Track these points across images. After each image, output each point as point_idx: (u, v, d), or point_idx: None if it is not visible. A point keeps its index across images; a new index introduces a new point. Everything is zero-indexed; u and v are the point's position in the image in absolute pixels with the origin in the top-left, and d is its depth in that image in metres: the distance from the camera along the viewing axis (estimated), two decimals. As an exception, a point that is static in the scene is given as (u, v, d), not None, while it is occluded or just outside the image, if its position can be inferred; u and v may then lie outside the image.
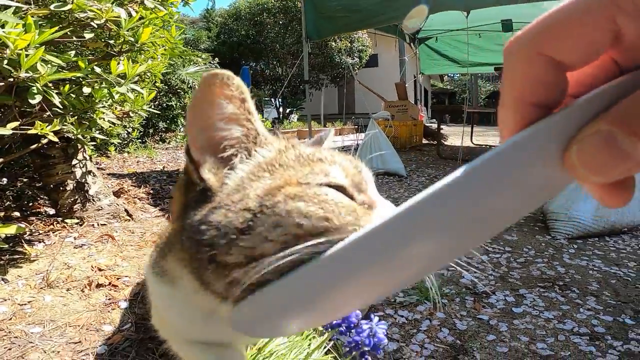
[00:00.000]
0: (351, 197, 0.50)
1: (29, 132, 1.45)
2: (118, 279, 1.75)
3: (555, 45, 0.25)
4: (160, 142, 7.91)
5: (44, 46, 1.28)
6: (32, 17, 1.27)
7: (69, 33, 1.48)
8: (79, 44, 1.71)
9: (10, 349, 1.25)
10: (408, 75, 11.68)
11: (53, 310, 1.50)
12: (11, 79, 1.30)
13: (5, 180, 2.69)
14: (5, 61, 1.23)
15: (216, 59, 9.36)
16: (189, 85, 7.87)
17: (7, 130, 1.33)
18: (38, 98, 1.36)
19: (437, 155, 6.89)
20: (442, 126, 8.44)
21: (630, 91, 0.24)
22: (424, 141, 8.76)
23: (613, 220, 2.87)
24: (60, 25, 1.40)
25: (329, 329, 0.79)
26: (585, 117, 0.25)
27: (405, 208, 0.30)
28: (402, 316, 1.81)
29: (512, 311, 1.88)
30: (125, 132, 4.92)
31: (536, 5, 7.05)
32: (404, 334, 1.69)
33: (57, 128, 1.53)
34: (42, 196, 2.77)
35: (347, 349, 0.71)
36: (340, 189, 0.50)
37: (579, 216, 2.87)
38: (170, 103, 7.54)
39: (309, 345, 1.26)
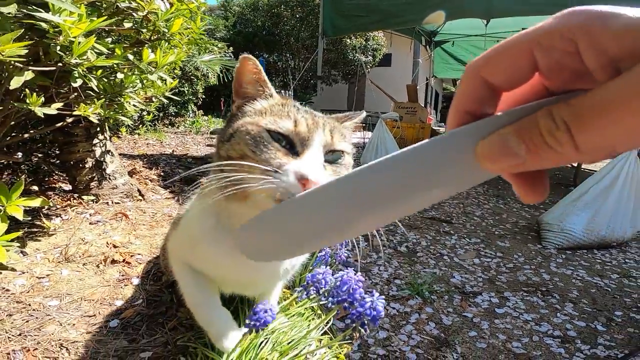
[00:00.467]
0: (292, 144, 0.78)
1: (75, 113, 1.61)
2: (131, 256, 1.85)
3: (488, 70, 0.36)
4: (170, 126, 8.04)
5: (94, 35, 1.41)
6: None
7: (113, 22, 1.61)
8: (113, 31, 1.84)
9: (28, 321, 1.32)
10: (420, 78, 11.73)
11: (69, 284, 1.58)
12: (60, 64, 1.43)
13: (20, 155, 2.81)
14: (58, 47, 1.36)
15: (231, 48, 9.46)
16: (202, 73, 7.98)
17: (52, 110, 1.46)
18: (79, 82, 1.50)
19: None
20: (441, 130, 8.52)
21: (532, 112, 0.34)
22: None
23: (603, 235, 2.98)
24: (108, 15, 1.52)
25: (333, 305, 0.91)
26: (497, 126, 0.35)
27: (346, 175, 0.40)
28: (393, 308, 1.94)
29: (494, 311, 2.00)
30: (137, 114, 5.06)
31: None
32: (394, 325, 1.82)
33: (98, 110, 1.68)
34: (57, 172, 2.90)
35: (350, 320, 0.84)
36: (283, 136, 0.79)
37: (571, 228, 2.98)
38: (182, 89, 7.66)
39: (309, 325, 1.39)
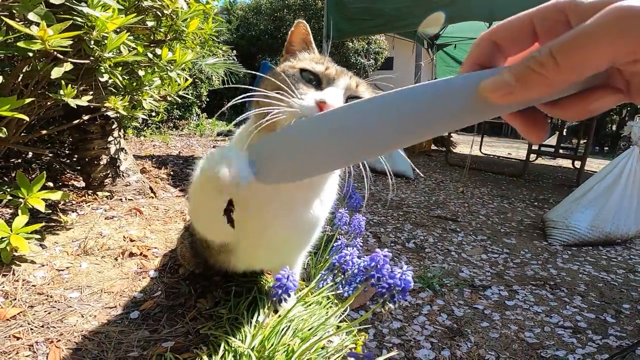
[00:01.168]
0: (319, 82, 0.92)
1: (105, 105, 1.67)
2: (148, 249, 1.87)
3: (497, 34, 0.47)
4: (174, 129, 8.08)
5: (126, 31, 1.46)
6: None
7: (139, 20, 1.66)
8: (131, 30, 1.88)
9: (50, 313, 1.33)
10: (423, 81, 11.76)
11: (89, 277, 1.59)
12: (92, 58, 1.47)
13: (30, 154, 2.85)
14: (92, 41, 1.41)
15: (234, 51, 9.51)
16: (206, 76, 8.03)
17: (83, 102, 1.51)
18: (106, 77, 1.54)
19: (445, 161, 7.01)
20: (452, 133, 8.55)
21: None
22: (433, 147, 8.87)
23: (608, 231, 3.01)
24: (135, 13, 1.57)
25: (360, 284, 0.94)
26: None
27: (362, 101, 0.47)
28: (405, 300, 1.97)
29: (504, 303, 2.04)
30: (143, 117, 5.11)
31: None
32: (407, 316, 1.85)
33: (126, 103, 1.73)
34: (69, 170, 2.94)
35: (378, 294, 0.87)
36: (313, 75, 0.93)
37: (576, 225, 3.01)
38: (186, 92, 7.69)
39: (327, 312, 1.42)
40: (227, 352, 1.19)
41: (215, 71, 8.04)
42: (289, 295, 0.94)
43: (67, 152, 3.07)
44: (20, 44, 1.18)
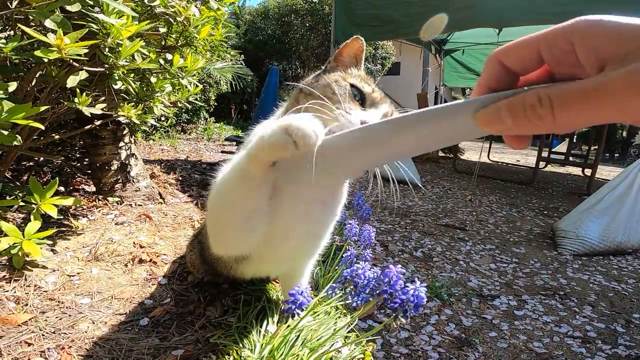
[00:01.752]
0: (363, 101, 0.98)
1: (119, 113, 1.69)
2: (158, 256, 1.88)
3: (505, 57, 0.49)
4: (182, 133, 8.12)
5: (139, 38, 1.47)
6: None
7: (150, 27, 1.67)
8: (143, 37, 1.90)
9: (61, 319, 1.33)
10: (430, 86, 11.75)
11: (99, 283, 1.60)
12: (107, 65, 1.49)
13: (42, 158, 2.87)
14: (107, 49, 1.42)
15: (242, 56, 9.55)
16: (214, 80, 8.07)
17: (97, 110, 1.53)
18: (120, 84, 1.56)
19: (453, 168, 6.97)
20: (459, 139, 8.49)
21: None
22: (440, 154, 8.84)
23: (619, 241, 2.99)
24: (148, 19, 1.59)
25: (371, 298, 0.94)
26: (498, 99, 0.47)
27: (383, 121, 0.60)
28: (416, 313, 1.97)
29: (513, 313, 2.03)
30: (155, 120, 5.16)
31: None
32: (414, 325, 1.84)
33: (140, 112, 1.75)
34: (79, 174, 2.96)
35: (390, 309, 0.88)
36: (361, 93, 0.99)
37: (586, 235, 2.99)
38: (195, 95, 7.73)
39: (335, 323, 1.42)
40: (237, 362, 1.19)
41: (223, 75, 8.07)
42: (302, 310, 0.94)
43: (78, 155, 3.09)
44: (38, 52, 1.20)
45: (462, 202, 4.56)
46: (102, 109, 1.61)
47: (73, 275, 1.62)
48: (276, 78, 5.43)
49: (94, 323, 1.34)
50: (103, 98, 1.79)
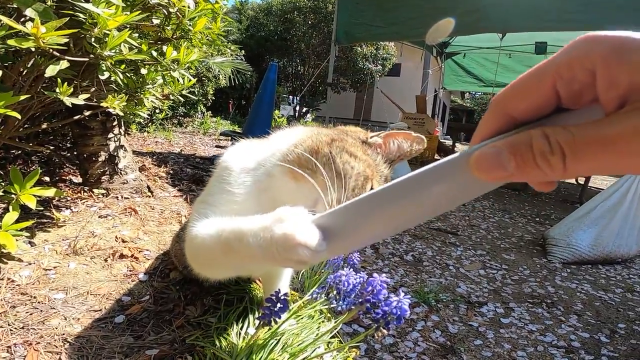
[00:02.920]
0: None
1: (102, 104, 1.64)
2: (140, 251, 1.83)
3: (513, 106, 0.38)
4: (178, 126, 8.07)
5: (127, 29, 1.43)
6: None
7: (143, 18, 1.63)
8: (138, 28, 1.86)
9: (32, 314, 1.29)
10: (429, 89, 11.74)
11: (76, 278, 1.55)
12: (92, 55, 1.45)
13: (31, 144, 2.83)
14: (92, 39, 1.38)
15: (242, 51, 9.51)
16: (213, 74, 8.03)
17: (79, 100, 1.48)
18: (107, 75, 1.52)
19: (448, 171, 6.94)
20: (456, 144, 8.50)
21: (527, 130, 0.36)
22: (436, 157, 8.82)
23: (609, 251, 2.97)
24: (138, 10, 1.55)
25: (353, 307, 0.91)
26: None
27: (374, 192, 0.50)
28: (399, 325, 1.94)
29: (500, 321, 2.00)
30: (149, 112, 5.13)
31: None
32: (400, 331, 1.82)
33: (124, 103, 1.71)
34: (68, 164, 2.92)
35: (372, 320, 0.84)
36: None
37: (577, 244, 2.97)
38: (192, 89, 7.69)
39: (318, 327, 1.39)
40: (212, 364, 1.16)
41: (222, 70, 8.03)
42: (279, 318, 0.91)
43: (68, 145, 3.05)
44: (11, 41, 1.15)
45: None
46: (85, 100, 1.56)
47: (49, 269, 1.58)
48: (274, 75, 5.39)
49: (65, 319, 1.29)
50: (93, 89, 1.76)
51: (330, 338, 1.39)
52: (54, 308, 1.34)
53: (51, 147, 3.01)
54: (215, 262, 0.87)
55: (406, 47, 9.38)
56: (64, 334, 1.22)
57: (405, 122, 7.28)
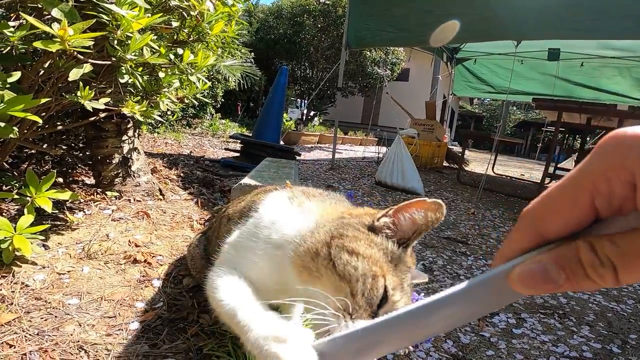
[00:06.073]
0: (380, 306, 0.77)
1: (122, 110, 1.64)
2: (153, 256, 1.82)
3: (545, 225, 0.36)
4: (187, 127, 8.10)
5: (150, 32, 1.42)
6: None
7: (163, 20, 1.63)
8: (155, 30, 1.86)
9: (46, 320, 1.27)
10: (438, 94, 11.70)
11: (90, 282, 1.53)
12: (114, 59, 1.44)
13: (45, 145, 2.84)
14: (115, 41, 1.38)
15: (252, 53, 9.53)
16: (223, 77, 8.06)
17: (100, 104, 1.48)
18: (127, 77, 1.52)
19: (457, 179, 6.91)
20: (465, 150, 8.44)
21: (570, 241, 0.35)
22: (445, 164, 8.77)
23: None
24: (158, 12, 1.55)
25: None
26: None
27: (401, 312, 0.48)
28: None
29: (512, 332, 1.98)
30: (159, 118, 5.15)
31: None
32: (411, 342, 1.80)
33: (144, 109, 1.70)
34: (81, 165, 2.92)
35: None
36: (385, 298, 0.77)
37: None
38: (203, 92, 7.72)
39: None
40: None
41: (232, 73, 8.06)
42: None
43: (81, 145, 3.06)
44: (37, 44, 1.15)
45: (465, 214, 4.50)
46: (105, 104, 1.56)
47: (63, 274, 1.56)
48: (285, 78, 5.40)
49: (80, 325, 1.28)
50: (109, 91, 1.76)
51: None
52: (68, 314, 1.33)
53: (64, 147, 3.02)
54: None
55: (415, 52, 9.34)
56: (78, 341, 1.21)
57: (414, 128, 7.24)
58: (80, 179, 2.73)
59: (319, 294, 0.77)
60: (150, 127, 6.29)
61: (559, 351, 1.86)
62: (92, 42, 1.26)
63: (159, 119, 2.12)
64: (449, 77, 10.26)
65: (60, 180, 2.55)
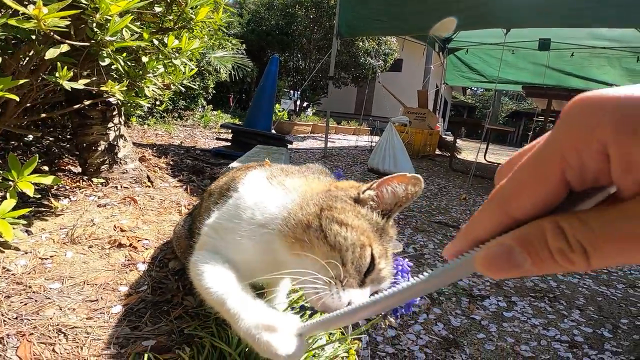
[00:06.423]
0: (368, 274, 0.81)
1: (102, 88, 1.61)
2: (138, 241, 1.79)
3: (514, 208, 0.32)
4: (179, 119, 8.05)
5: (129, 14, 1.40)
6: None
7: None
8: (140, 17, 1.83)
9: (26, 304, 1.25)
10: (431, 84, 11.68)
11: (73, 267, 1.51)
12: (93, 41, 1.42)
13: (31, 137, 2.80)
14: (94, 24, 1.35)
15: (243, 45, 9.45)
16: (214, 68, 7.99)
17: (79, 85, 1.46)
18: (107, 61, 1.50)
19: (449, 167, 6.92)
20: (457, 139, 8.45)
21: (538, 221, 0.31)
22: (437, 152, 8.79)
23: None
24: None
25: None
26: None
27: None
28: (401, 307, 1.91)
29: (502, 315, 1.98)
30: (150, 104, 5.11)
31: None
32: (402, 324, 1.80)
33: (124, 88, 1.67)
34: (67, 155, 2.89)
35: None
36: (372, 266, 0.81)
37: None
38: (193, 83, 7.67)
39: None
40: (211, 355, 1.13)
41: (223, 64, 8.00)
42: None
43: (68, 137, 3.02)
44: (12, 20, 1.12)
45: (457, 200, 4.51)
46: (85, 85, 1.53)
47: (46, 259, 1.54)
48: (276, 68, 5.35)
49: (61, 309, 1.26)
50: (94, 78, 1.73)
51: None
52: (49, 298, 1.30)
53: (51, 138, 2.98)
54: None
55: (408, 42, 9.31)
56: (58, 325, 1.18)
57: (406, 117, 7.23)
58: (67, 168, 2.70)
59: (310, 264, 0.79)
60: (140, 119, 6.23)
61: (549, 335, 1.86)
62: (68, 22, 1.23)
63: (142, 103, 2.10)
64: (441, 67, 10.25)
65: (46, 168, 2.52)
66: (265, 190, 0.97)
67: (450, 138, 10.43)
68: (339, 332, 1.39)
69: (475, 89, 31.44)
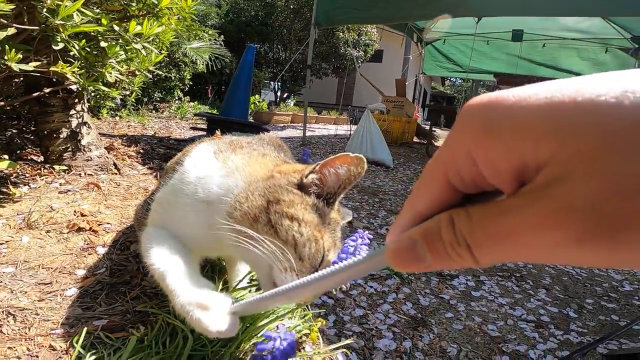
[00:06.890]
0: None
1: (52, 69, 1.56)
2: (99, 224, 1.75)
3: (417, 206, 0.33)
4: (154, 111, 7.91)
5: (97, 8, 1.37)
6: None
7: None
8: (102, 5, 1.80)
9: None
10: (410, 74, 11.72)
11: (28, 252, 1.48)
12: (43, 25, 1.38)
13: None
14: (45, 9, 1.31)
15: (222, 36, 9.32)
16: (190, 60, 7.87)
17: (30, 67, 1.42)
18: (61, 45, 1.48)
19: (426, 153, 7.02)
20: (435, 128, 8.52)
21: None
22: (415, 140, 8.85)
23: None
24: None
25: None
26: None
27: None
28: (371, 287, 1.91)
29: (471, 294, 1.99)
30: (120, 97, 5.00)
31: (549, 18, 7.12)
32: (371, 303, 1.79)
33: (75, 69, 1.63)
34: (30, 146, 2.81)
35: None
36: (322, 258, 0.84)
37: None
38: (169, 75, 7.55)
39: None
40: (164, 330, 1.10)
41: (200, 55, 7.87)
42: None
43: (32, 128, 2.93)
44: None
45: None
46: (36, 67, 1.49)
47: (1, 244, 1.50)
48: (252, 57, 5.30)
49: (12, 292, 1.22)
50: (46, 61, 1.68)
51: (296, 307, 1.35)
52: (1, 282, 1.26)
53: (14, 130, 2.89)
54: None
55: (386, 33, 9.35)
56: (7, 307, 1.15)
57: (383, 104, 7.25)
58: (29, 157, 2.62)
59: (260, 255, 0.80)
60: (112, 112, 6.10)
61: (516, 314, 1.88)
62: (13, 6, 1.19)
63: (112, 94, 2.04)
64: (420, 57, 10.29)
65: (6, 157, 2.44)
66: (209, 166, 0.95)
67: (428, 127, 10.50)
68: (301, 310, 1.38)
69: (454, 79, 31.79)
